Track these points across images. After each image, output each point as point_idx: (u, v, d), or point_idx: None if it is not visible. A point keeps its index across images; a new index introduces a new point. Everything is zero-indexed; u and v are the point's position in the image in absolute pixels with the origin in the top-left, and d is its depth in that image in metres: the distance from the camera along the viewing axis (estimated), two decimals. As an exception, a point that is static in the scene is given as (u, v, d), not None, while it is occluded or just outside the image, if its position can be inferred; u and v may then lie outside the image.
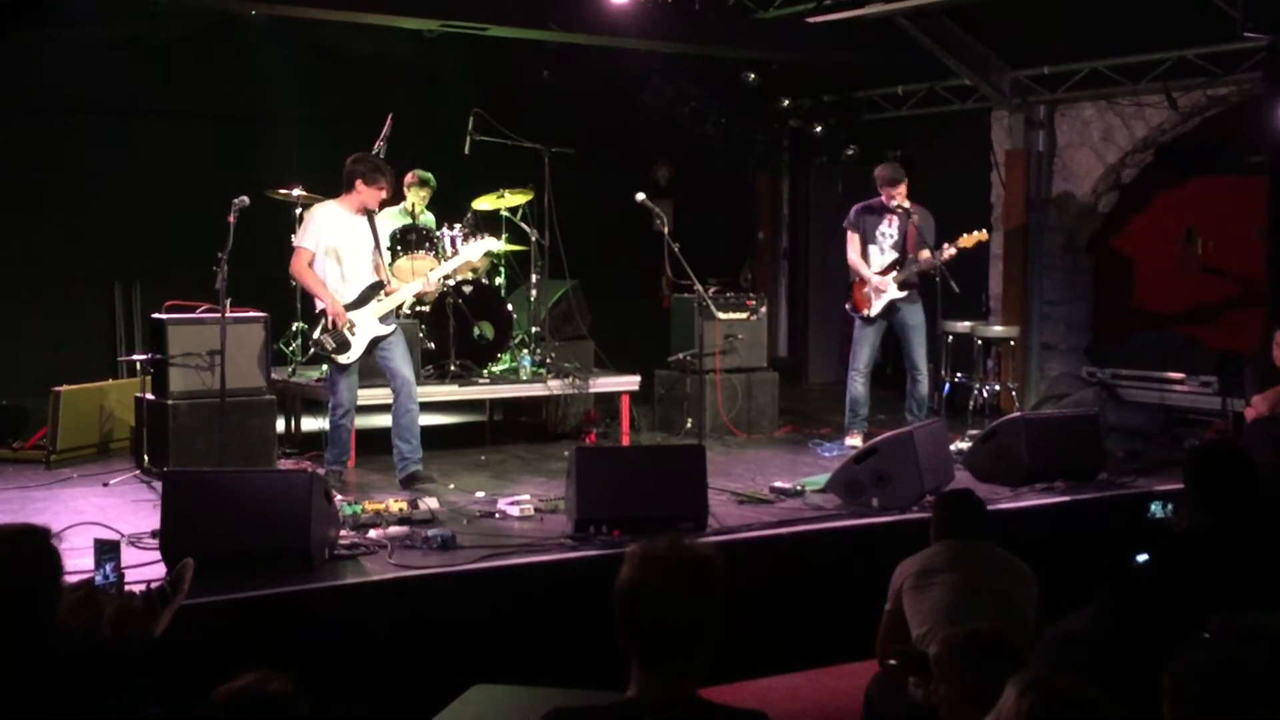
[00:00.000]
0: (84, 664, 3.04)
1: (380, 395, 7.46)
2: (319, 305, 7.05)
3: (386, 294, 7.07)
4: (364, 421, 8.03)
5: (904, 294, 8.43)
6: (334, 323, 6.91)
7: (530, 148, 8.86)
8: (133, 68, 9.72)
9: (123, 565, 4.87)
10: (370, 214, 7.13)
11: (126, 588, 4.65)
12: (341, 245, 7.00)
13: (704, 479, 6.11)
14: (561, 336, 9.20)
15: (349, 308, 6.95)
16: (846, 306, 8.63)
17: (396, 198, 8.58)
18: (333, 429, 7.13)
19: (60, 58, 9.34)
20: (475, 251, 7.94)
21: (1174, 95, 9.40)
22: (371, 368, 7.27)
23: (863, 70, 11.34)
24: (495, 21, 8.97)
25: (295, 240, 7.17)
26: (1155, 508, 6.75)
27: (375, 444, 7.72)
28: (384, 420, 7.51)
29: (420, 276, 7.50)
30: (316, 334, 7.02)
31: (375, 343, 7.05)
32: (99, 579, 4.57)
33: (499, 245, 8.15)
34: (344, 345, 6.94)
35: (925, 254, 8.28)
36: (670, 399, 9.26)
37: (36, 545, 3.09)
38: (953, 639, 3.34)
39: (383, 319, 7.05)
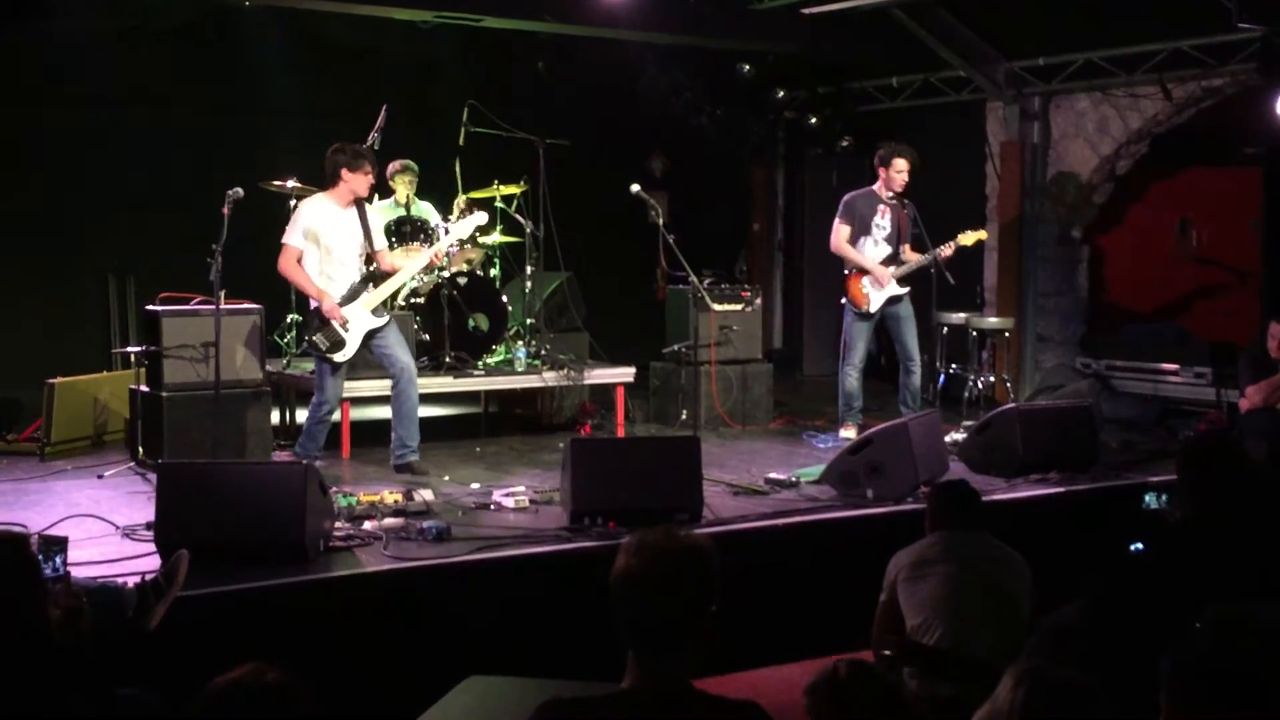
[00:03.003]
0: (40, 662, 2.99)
1: (376, 388, 7.43)
2: (312, 303, 6.99)
3: (378, 282, 7.00)
4: (360, 413, 8.03)
5: (905, 289, 8.42)
6: (328, 319, 6.87)
7: (525, 139, 8.84)
8: (126, 59, 9.67)
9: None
10: (360, 204, 7.04)
11: (73, 583, 4.42)
12: (328, 240, 6.94)
13: (699, 471, 6.10)
14: (556, 328, 9.19)
15: (340, 304, 6.91)
16: (842, 302, 8.51)
17: (385, 192, 8.55)
18: (314, 423, 7.05)
19: (53, 50, 9.32)
20: (465, 228, 7.78)
21: (1168, 86, 9.40)
22: (366, 360, 7.24)
23: (858, 62, 11.33)
24: (490, 13, 8.96)
25: (283, 237, 7.09)
26: (1149, 498, 6.76)
27: (371, 436, 7.71)
28: (379, 412, 7.49)
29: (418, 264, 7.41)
30: (308, 335, 6.97)
31: (370, 335, 7.00)
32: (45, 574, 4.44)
33: (485, 218, 8.00)
34: (338, 344, 6.90)
35: (945, 249, 8.30)
36: (665, 391, 9.26)
37: (11, 552, 3.04)
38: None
39: (375, 311, 7.01)
